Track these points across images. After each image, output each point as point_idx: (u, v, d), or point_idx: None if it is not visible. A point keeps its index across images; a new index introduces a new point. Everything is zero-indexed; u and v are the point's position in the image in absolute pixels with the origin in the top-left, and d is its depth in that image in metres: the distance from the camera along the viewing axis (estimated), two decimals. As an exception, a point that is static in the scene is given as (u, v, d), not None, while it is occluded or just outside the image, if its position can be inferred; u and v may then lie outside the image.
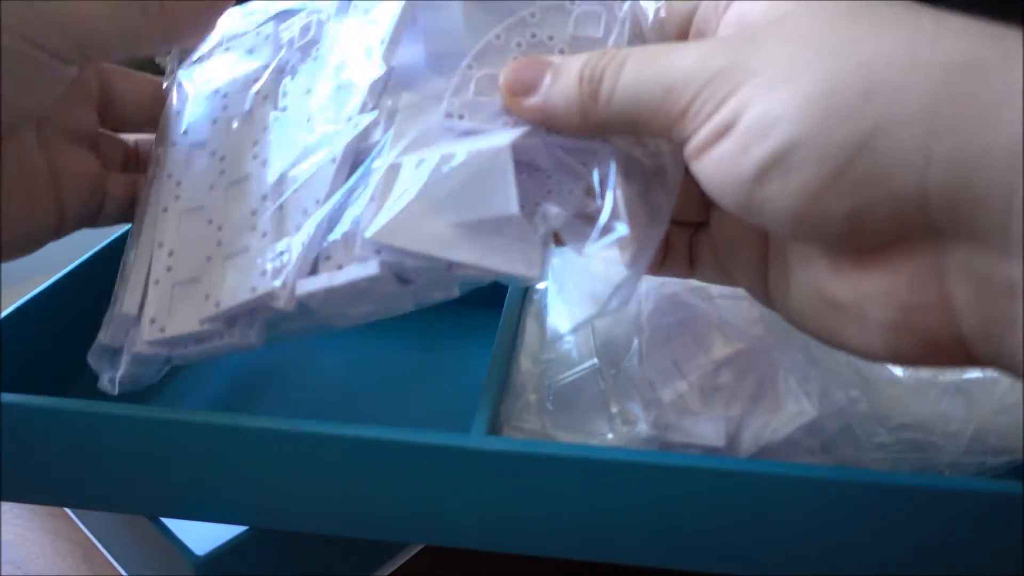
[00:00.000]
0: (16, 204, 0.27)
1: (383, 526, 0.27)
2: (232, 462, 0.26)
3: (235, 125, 0.29)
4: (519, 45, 0.25)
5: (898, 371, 0.27)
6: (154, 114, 0.31)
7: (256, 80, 0.29)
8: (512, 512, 0.25)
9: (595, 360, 0.28)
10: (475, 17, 0.26)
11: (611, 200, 0.22)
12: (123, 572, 0.34)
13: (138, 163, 0.34)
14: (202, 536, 0.28)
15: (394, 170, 0.24)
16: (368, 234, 0.23)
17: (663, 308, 0.29)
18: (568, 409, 0.27)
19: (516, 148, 0.23)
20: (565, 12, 0.26)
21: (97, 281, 0.36)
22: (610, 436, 0.25)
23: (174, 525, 0.29)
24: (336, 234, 0.24)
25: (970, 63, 0.16)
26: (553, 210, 0.23)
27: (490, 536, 0.26)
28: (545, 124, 0.23)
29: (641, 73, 0.21)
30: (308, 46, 0.29)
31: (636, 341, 0.28)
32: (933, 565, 0.24)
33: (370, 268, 0.24)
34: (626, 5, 0.25)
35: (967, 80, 0.16)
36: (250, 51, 0.30)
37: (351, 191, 0.25)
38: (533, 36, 0.26)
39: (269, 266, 0.25)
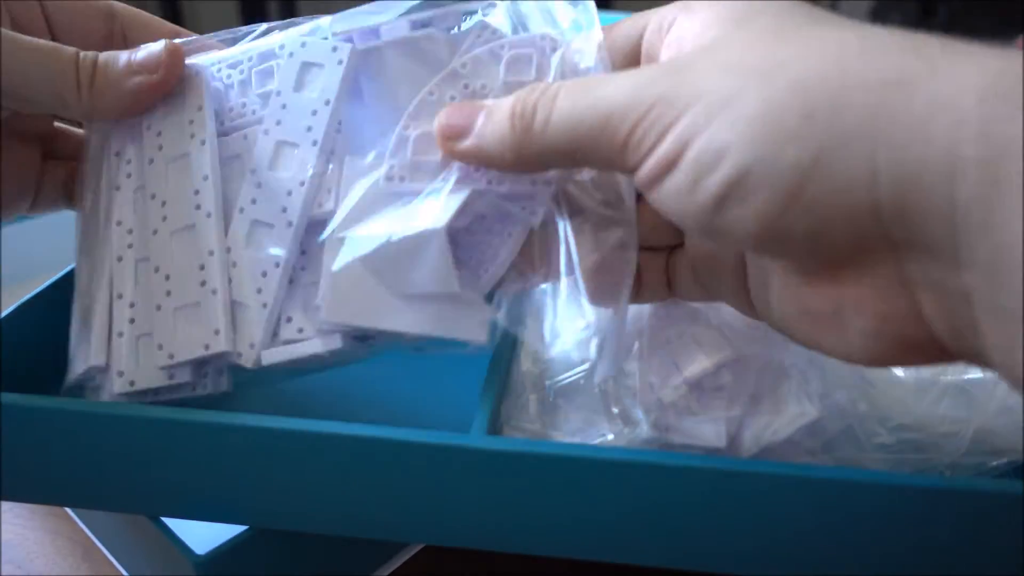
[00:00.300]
0: None
1: (383, 526, 0.27)
2: (232, 462, 0.26)
3: (172, 168, 0.29)
4: (453, 98, 0.26)
5: (899, 372, 0.27)
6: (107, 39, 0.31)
7: (191, 122, 0.29)
8: (512, 512, 0.25)
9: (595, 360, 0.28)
10: (408, 72, 0.27)
11: (563, 240, 0.24)
12: (123, 571, 0.34)
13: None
14: (202, 535, 0.28)
15: (341, 244, 0.25)
16: (322, 314, 0.25)
17: (663, 309, 0.29)
18: (568, 409, 0.27)
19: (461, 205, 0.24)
20: (496, 58, 0.27)
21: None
22: (610, 437, 0.26)
23: (175, 524, 0.29)
24: (295, 300, 0.26)
25: (900, 79, 0.16)
26: (495, 269, 0.25)
27: (490, 536, 0.26)
28: (481, 164, 0.24)
29: (575, 104, 0.21)
30: (265, 95, 0.29)
31: (636, 342, 0.28)
32: (933, 565, 0.24)
33: (333, 342, 0.26)
34: (560, 47, 0.26)
35: (898, 95, 0.16)
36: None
37: (307, 259, 0.27)
38: (466, 87, 0.26)
39: (222, 325, 0.26)
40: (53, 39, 0.30)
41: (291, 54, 0.29)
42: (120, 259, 0.29)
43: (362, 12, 0.29)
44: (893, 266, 0.18)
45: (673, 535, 0.25)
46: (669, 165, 0.19)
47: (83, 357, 0.28)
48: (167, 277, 0.28)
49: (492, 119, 0.23)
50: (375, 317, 0.24)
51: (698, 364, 0.26)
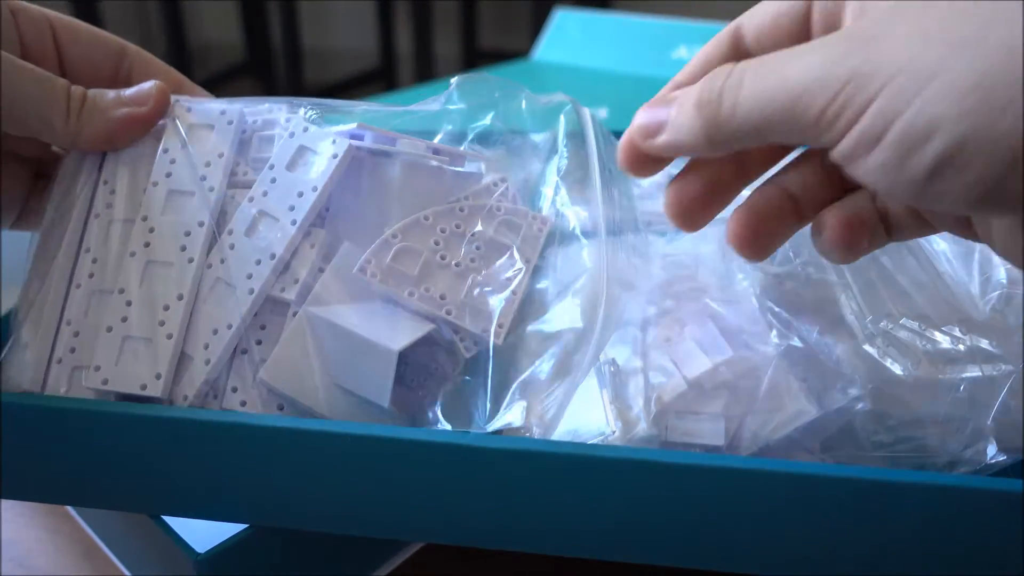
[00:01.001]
0: None
1: (383, 525, 0.27)
2: (233, 460, 0.26)
3: (172, 199, 0.29)
4: (443, 231, 0.29)
5: (898, 370, 0.27)
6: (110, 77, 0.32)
7: (207, 164, 0.30)
8: (512, 510, 0.25)
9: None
10: (410, 188, 0.29)
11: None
12: (124, 570, 0.34)
13: None
14: (203, 534, 0.28)
15: (303, 319, 0.27)
16: (261, 374, 0.26)
17: (664, 307, 0.29)
18: (568, 408, 0.27)
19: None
20: (492, 215, 0.29)
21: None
22: (611, 435, 0.26)
23: (175, 523, 0.29)
24: (244, 371, 0.27)
25: None
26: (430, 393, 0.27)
27: (490, 534, 0.26)
28: (679, 154, 0.24)
29: (764, 86, 0.20)
30: (260, 160, 0.30)
31: (636, 340, 0.28)
32: (933, 563, 0.24)
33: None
34: (548, 225, 0.29)
35: None
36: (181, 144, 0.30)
37: (266, 335, 0.28)
38: (457, 227, 0.29)
39: (164, 371, 0.27)
40: (62, 71, 0.31)
41: (292, 134, 0.30)
42: (78, 287, 0.29)
43: (391, 114, 0.31)
44: None
45: (672, 533, 0.25)
46: (873, 141, 0.19)
47: (17, 375, 0.29)
48: (128, 303, 0.28)
49: (682, 111, 0.23)
50: (303, 393, 0.26)
51: (698, 363, 0.26)
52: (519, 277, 0.29)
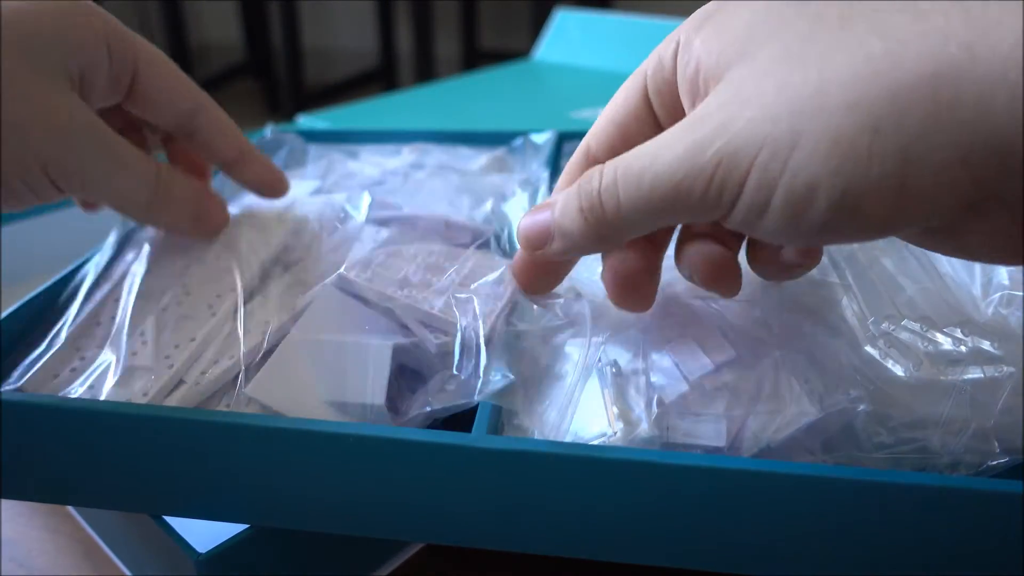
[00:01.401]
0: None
1: (384, 525, 0.27)
2: (233, 460, 0.26)
3: (210, 277, 0.33)
4: (427, 261, 0.31)
5: (899, 371, 0.27)
6: (187, 124, 0.34)
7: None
8: (513, 511, 0.25)
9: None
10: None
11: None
12: (125, 570, 0.34)
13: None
14: (204, 534, 0.28)
15: (291, 341, 0.28)
16: (248, 388, 0.27)
17: (665, 309, 0.29)
18: (569, 409, 0.27)
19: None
20: (446, 257, 0.31)
21: (98, 279, 0.36)
22: (612, 436, 0.26)
23: (176, 523, 0.29)
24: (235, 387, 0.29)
25: (938, 71, 0.18)
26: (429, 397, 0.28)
27: (491, 535, 0.26)
28: (571, 256, 0.27)
29: (639, 183, 0.22)
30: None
31: (638, 341, 0.28)
32: (933, 565, 0.24)
33: None
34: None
35: (947, 85, 0.18)
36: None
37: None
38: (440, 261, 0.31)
39: (151, 392, 0.28)
40: (130, 103, 0.32)
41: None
42: (98, 324, 0.31)
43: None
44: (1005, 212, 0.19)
45: (673, 534, 0.25)
46: (761, 210, 0.20)
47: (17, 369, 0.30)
48: (144, 343, 0.30)
49: (565, 217, 0.25)
50: (289, 406, 0.27)
51: (699, 364, 0.26)
52: (510, 289, 0.30)
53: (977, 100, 0.17)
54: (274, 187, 0.35)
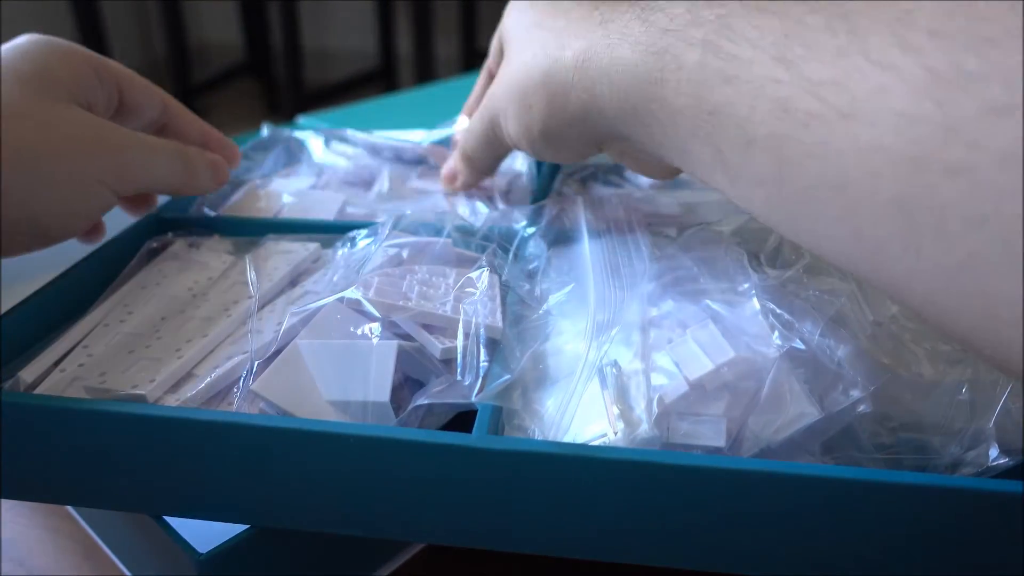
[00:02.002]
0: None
1: (385, 525, 0.27)
2: (234, 461, 0.26)
3: (228, 290, 0.35)
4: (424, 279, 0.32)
5: (900, 372, 0.27)
6: (158, 120, 0.40)
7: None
8: (513, 511, 0.25)
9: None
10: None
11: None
12: (125, 570, 0.34)
13: None
14: (205, 534, 0.28)
15: (296, 346, 0.29)
16: (255, 385, 0.28)
17: (665, 309, 0.29)
18: (570, 409, 0.27)
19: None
20: (446, 276, 0.33)
21: (97, 281, 0.36)
22: (611, 436, 0.26)
23: (177, 523, 0.29)
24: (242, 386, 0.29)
25: (551, 65, 0.30)
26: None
27: (491, 535, 0.26)
28: (473, 185, 0.43)
29: (472, 136, 0.39)
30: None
31: (638, 342, 0.28)
32: (934, 565, 0.24)
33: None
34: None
35: (558, 67, 0.30)
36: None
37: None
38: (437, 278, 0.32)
39: (158, 379, 0.29)
40: (122, 111, 0.37)
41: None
42: (106, 325, 0.33)
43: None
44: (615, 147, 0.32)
45: (673, 535, 0.25)
46: (521, 146, 0.35)
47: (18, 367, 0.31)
48: (159, 338, 0.31)
49: (458, 163, 0.42)
50: (293, 404, 0.28)
51: (699, 364, 0.26)
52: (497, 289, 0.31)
53: (584, 89, 0.29)
54: (232, 159, 0.41)
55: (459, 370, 0.28)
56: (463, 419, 0.28)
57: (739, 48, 0.22)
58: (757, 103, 0.21)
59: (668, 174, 0.33)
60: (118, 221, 0.40)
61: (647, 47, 0.25)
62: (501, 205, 0.42)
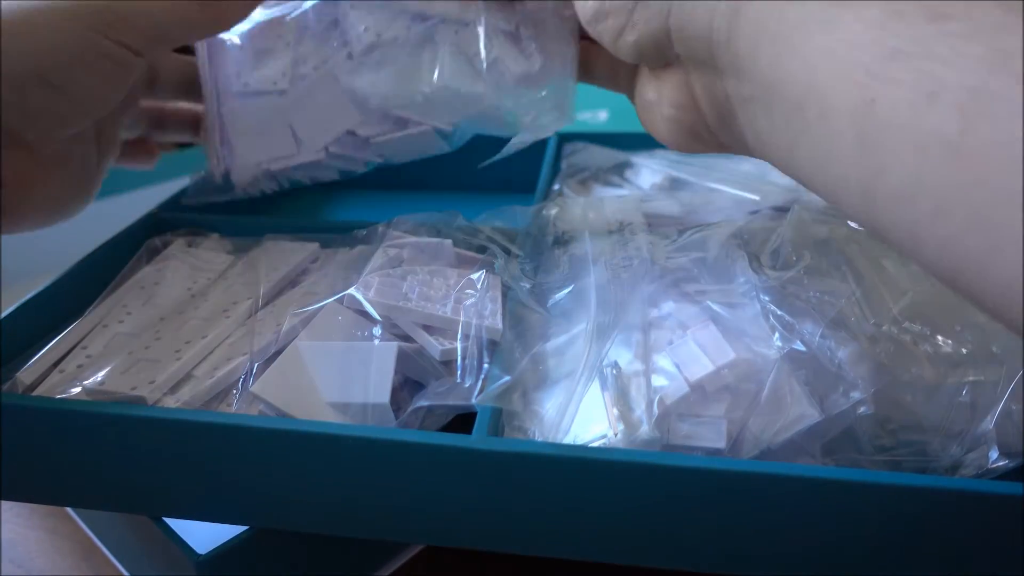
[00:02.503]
0: (71, 190, 0.33)
1: (384, 526, 0.27)
2: (233, 462, 0.26)
3: (227, 289, 0.35)
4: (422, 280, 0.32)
5: (900, 374, 0.27)
6: (188, 87, 0.38)
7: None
8: (513, 513, 0.25)
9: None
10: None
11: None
12: (124, 571, 0.34)
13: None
14: (204, 535, 0.28)
15: (295, 347, 0.29)
16: (254, 387, 0.28)
17: (666, 310, 0.29)
18: (570, 410, 0.27)
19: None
20: (446, 277, 0.33)
21: (97, 281, 0.36)
22: (612, 438, 0.25)
23: (176, 524, 0.29)
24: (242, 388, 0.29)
25: None
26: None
27: (491, 536, 0.26)
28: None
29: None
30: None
31: (638, 343, 0.28)
32: (934, 566, 0.24)
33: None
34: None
35: None
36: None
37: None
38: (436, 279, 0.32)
39: (158, 380, 0.29)
40: None
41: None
42: (105, 327, 0.32)
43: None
44: (683, 73, 0.28)
45: (674, 536, 0.25)
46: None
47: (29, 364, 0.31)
48: (158, 339, 0.31)
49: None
50: (293, 406, 0.27)
51: (700, 366, 0.26)
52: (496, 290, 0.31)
53: None
54: None
55: (459, 372, 0.28)
56: (463, 420, 0.28)
57: None
58: (967, 48, 0.19)
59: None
60: (117, 222, 0.40)
61: None
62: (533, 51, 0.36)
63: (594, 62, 0.35)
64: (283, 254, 0.36)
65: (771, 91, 0.23)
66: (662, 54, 0.27)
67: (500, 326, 0.29)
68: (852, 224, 0.32)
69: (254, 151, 0.37)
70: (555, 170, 0.46)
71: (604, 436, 0.26)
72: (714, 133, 0.28)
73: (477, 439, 0.25)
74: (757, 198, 0.38)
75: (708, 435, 0.26)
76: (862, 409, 0.26)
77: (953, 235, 0.18)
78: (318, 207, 0.55)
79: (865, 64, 0.20)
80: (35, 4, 0.28)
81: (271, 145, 0.37)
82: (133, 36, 0.30)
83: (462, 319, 0.29)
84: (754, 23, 0.23)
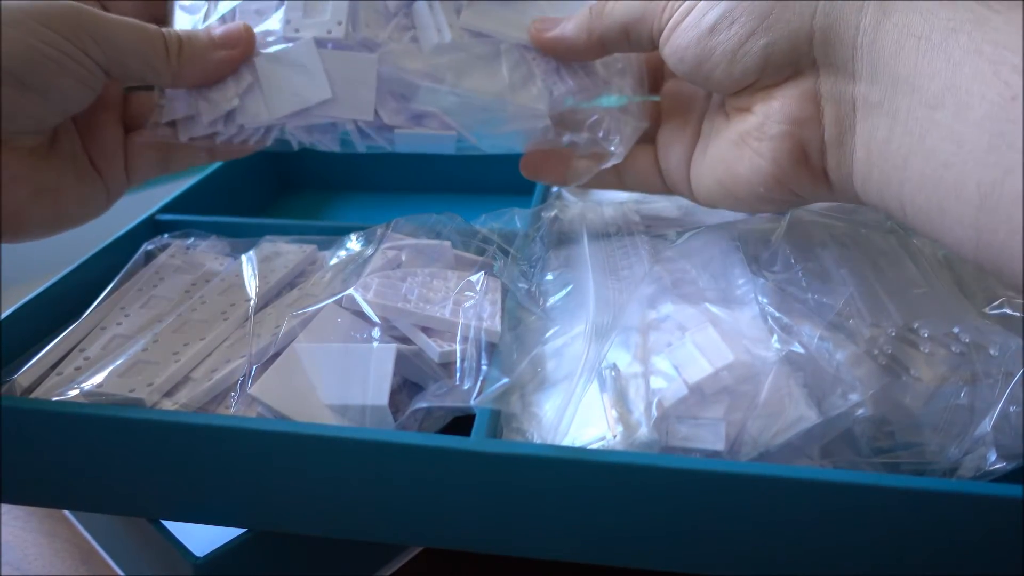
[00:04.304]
0: (70, 190, 0.31)
1: (383, 528, 0.27)
2: (231, 464, 0.26)
3: (226, 290, 0.35)
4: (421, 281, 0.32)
5: (898, 376, 0.27)
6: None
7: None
8: (512, 515, 0.25)
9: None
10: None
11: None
12: (121, 574, 0.34)
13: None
14: (202, 538, 0.28)
15: (294, 350, 0.29)
16: (252, 389, 0.28)
17: (664, 312, 0.29)
18: (569, 412, 0.27)
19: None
20: (445, 279, 0.32)
21: (97, 281, 0.36)
22: (611, 440, 0.25)
23: (174, 527, 0.29)
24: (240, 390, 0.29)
25: None
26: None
27: (490, 539, 0.26)
28: (560, 48, 0.33)
29: (622, 8, 0.31)
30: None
31: (637, 345, 0.28)
32: (934, 568, 0.24)
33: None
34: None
35: None
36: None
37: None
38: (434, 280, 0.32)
39: (156, 383, 0.29)
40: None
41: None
42: (103, 329, 0.32)
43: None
44: (811, 82, 0.26)
45: (672, 538, 0.25)
46: (684, 15, 0.28)
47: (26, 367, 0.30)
48: (156, 341, 0.31)
49: (572, 19, 0.32)
50: (291, 408, 0.27)
51: (698, 368, 0.26)
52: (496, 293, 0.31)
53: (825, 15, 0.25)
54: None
55: (458, 374, 0.28)
56: (461, 422, 0.28)
57: None
58: None
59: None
60: (116, 222, 0.40)
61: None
62: (569, 81, 0.34)
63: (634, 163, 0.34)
64: (281, 256, 0.36)
65: (907, 91, 0.23)
66: (792, 61, 0.26)
67: (499, 328, 0.29)
68: (852, 225, 0.32)
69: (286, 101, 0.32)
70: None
71: (603, 438, 0.26)
72: (823, 153, 0.27)
73: (476, 441, 0.25)
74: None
75: (707, 437, 0.26)
76: (860, 411, 0.26)
77: None
78: (317, 209, 0.55)
79: (1012, 62, 0.21)
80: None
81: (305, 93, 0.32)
82: (96, 52, 0.29)
83: (461, 321, 0.29)
84: (902, 23, 0.24)
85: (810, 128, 0.27)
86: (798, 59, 0.26)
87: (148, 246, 0.38)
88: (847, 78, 0.25)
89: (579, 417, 0.26)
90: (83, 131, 0.33)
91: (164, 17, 0.35)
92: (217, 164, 0.51)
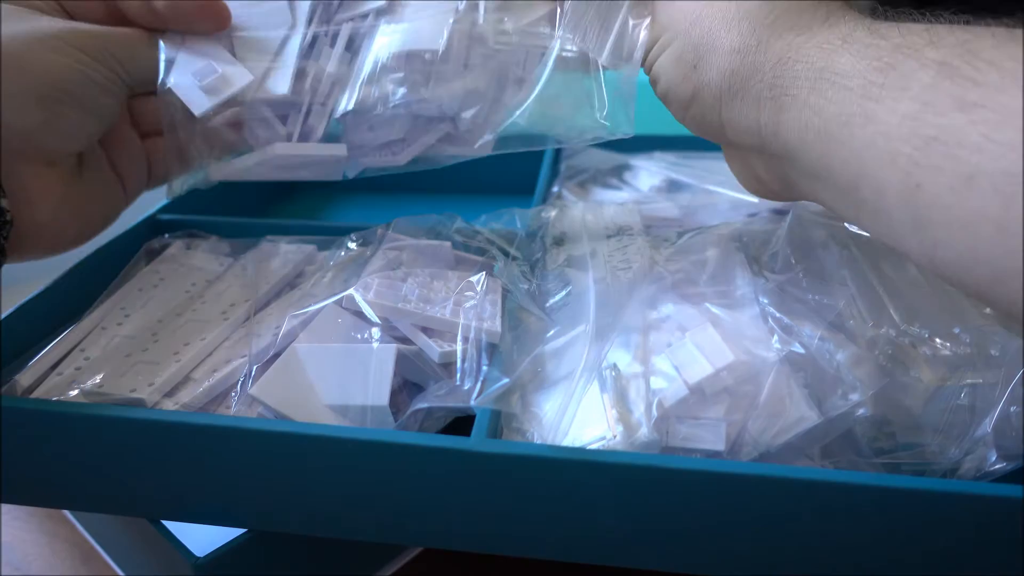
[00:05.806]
0: (97, 201, 0.33)
1: (383, 529, 0.27)
2: (232, 465, 0.26)
3: (224, 290, 0.35)
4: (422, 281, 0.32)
5: (899, 376, 0.27)
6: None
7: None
8: (512, 515, 0.25)
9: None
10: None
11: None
12: (121, 574, 0.34)
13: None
14: (202, 538, 0.28)
15: (294, 350, 0.29)
16: (253, 389, 0.28)
17: (665, 312, 0.29)
18: (569, 413, 0.27)
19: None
20: (446, 279, 0.32)
21: (97, 281, 0.36)
22: (612, 440, 0.25)
23: (174, 527, 0.29)
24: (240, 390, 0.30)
25: (742, 46, 0.27)
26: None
27: (489, 539, 0.26)
28: None
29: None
30: None
31: (638, 345, 0.28)
32: (933, 568, 0.24)
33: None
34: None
35: (739, 57, 0.27)
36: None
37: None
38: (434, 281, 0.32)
39: (156, 383, 0.29)
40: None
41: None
42: (104, 329, 0.32)
43: None
44: (743, 153, 0.30)
45: (673, 538, 0.25)
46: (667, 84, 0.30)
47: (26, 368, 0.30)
48: (156, 341, 0.31)
49: None
50: (292, 408, 0.27)
51: (699, 368, 0.26)
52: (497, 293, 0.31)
53: (775, 76, 0.26)
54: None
55: (458, 374, 0.28)
56: (462, 423, 0.28)
57: (981, 75, 0.20)
58: (997, 135, 0.19)
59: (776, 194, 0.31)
60: (116, 224, 0.39)
61: (872, 60, 0.23)
62: None
63: None
64: (282, 256, 0.36)
65: (825, 175, 0.25)
66: (720, 139, 0.30)
67: (499, 328, 0.29)
68: (851, 227, 0.33)
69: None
70: (554, 173, 0.46)
71: (603, 438, 0.26)
72: (786, 191, 0.29)
73: (476, 441, 0.25)
74: (756, 200, 0.39)
75: (707, 437, 0.26)
76: (861, 411, 0.26)
77: (1015, 300, 0.20)
78: (317, 209, 0.55)
79: (907, 154, 0.21)
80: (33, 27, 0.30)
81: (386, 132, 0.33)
82: (120, 71, 0.31)
83: (461, 321, 0.29)
84: (797, 119, 0.25)
85: (770, 181, 0.30)
86: (721, 140, 0.30)
87: (149, 245, 0.38)
88: (770, 156, 0.28)
89: (579, 417, 0.26)
90: (104, 142, 0.33)
91: (124, 14, 0.34)
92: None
